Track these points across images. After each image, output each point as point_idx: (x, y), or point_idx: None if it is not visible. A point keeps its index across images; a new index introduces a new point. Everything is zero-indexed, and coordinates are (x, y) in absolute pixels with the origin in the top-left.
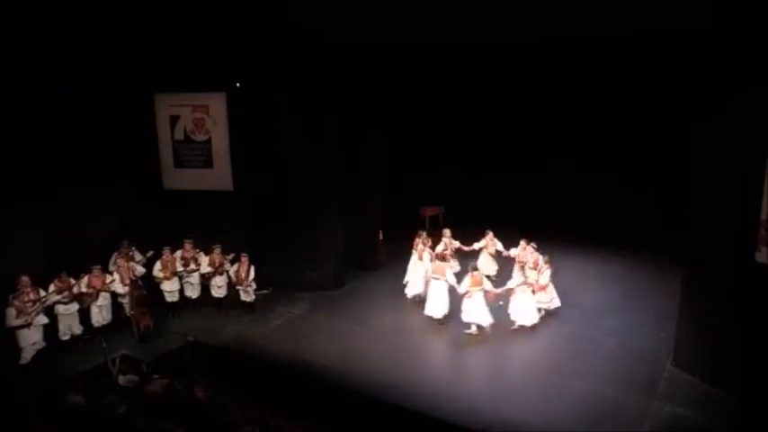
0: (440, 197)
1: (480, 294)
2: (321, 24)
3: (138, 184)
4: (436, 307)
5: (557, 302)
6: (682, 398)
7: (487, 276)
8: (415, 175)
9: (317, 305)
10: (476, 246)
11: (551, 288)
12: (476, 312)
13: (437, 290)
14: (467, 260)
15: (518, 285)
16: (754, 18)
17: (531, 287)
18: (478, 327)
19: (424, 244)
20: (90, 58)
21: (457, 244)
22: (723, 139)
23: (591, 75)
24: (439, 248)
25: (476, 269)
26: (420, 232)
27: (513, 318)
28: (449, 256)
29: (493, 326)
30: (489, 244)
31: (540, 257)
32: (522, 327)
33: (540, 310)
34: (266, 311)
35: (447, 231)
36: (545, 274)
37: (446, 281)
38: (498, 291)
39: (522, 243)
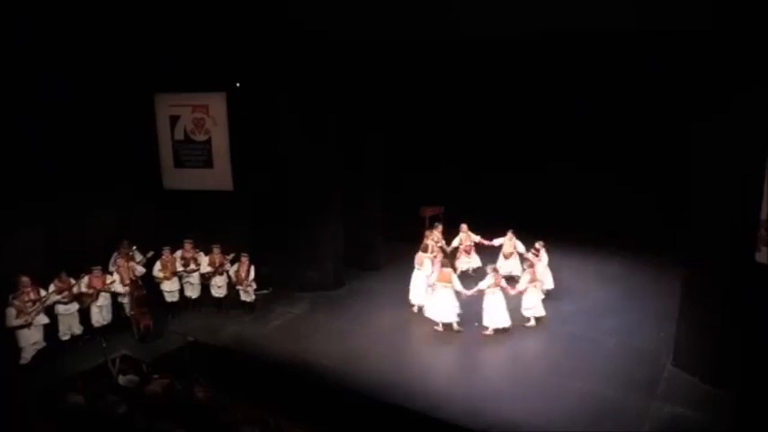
0: (440, 197)
1: (447, 291)
2: (321, 24)
3: (138, 184)
4: (414, 296)
5: (540, 311)
6: (682, 398)
7: (510, 277)
8: (415, 175)
9: (317, 305)
10: (495, 242)
11: (533, 294)
12: (437, 309)
13: (417, 280)
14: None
15: (488, 287)
16: (754, 18)
17: (505, 290)
18: (444, 324)
19: (427, 236)
20: (90, 58)
21: (477, 238)
22: (723, 139)
23: (591, 75)
24: (455, 243)
25: (447, 266)
26: (437, 225)
27: (485, 322)
28: (462, 251)
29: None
30: (507, 243)
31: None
32: (495, 330)
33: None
34: (266, 311)
35: (464, 226)
36: (523, 279)
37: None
38: (469, 292)
39: (537, 245)
